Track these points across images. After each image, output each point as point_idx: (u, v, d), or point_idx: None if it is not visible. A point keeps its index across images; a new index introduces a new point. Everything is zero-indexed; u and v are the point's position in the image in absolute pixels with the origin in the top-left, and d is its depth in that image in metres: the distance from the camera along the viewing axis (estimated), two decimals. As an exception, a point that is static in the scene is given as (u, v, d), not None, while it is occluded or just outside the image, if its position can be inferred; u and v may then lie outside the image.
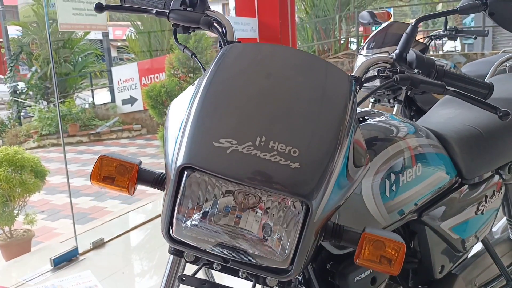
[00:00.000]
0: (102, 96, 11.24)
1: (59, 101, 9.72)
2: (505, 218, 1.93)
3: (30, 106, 10.04)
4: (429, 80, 0.98)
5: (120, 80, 9.80)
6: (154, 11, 1.08)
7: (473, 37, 2.73)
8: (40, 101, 10.17)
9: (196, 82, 0.89)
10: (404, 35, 1.08)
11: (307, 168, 0.75)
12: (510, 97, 1.62)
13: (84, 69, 11.03)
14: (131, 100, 9.72)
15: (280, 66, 0.88)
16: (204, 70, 1.00)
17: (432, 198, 1.27)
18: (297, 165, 0.75)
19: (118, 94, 9.90)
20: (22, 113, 10.33)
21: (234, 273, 0.88)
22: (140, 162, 0.91)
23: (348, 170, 0.82)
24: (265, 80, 0.84)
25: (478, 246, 1.64)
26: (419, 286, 1.40)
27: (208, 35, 5.95)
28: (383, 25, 3.05)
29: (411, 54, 1.05)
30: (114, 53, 15.15)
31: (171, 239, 0.82)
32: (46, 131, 9.03)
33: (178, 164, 0.77)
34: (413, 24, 1.07)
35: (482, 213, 1.42)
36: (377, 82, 2.66)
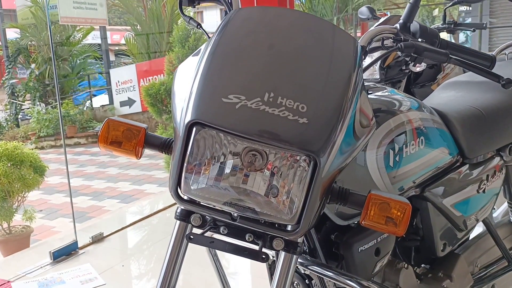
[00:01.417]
0: (100, 98, 11.25)
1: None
2: (505, 204, 1.93)
3: (28, 108, 10.03)
4: (433, 48, 0.99)
5: (118, 82, 9.81)
6: (160, -18, 1.09)
7: (472, 29, 2.76)
8: (38, 102, 10.17)
9: (203, 46, 0.90)
10: (408, 5, 1.09)
11: (315, 123, 0.76)
12: None
13: (82, 71, 11.05)
14: (129, 102, 9.72)
15: (288, 27, 0.88)
16: (209, 37, 1.00)
17: (434, 175, 1.28)
18: (305, 120, 0.76)
19: (116, 96, 9.91)
20: (19, 115, 10.32)
21: (240, 237, 0.88)
22: (147, 127, 0.91)
23: (355, 129, 0.83)
24: (272, 40, 0.85)
25: (479, 229, 1.65)
26: (422, 265, 1.41)
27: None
28: (382, 19, 3.06)
29: (414, 25, 1.06)
30: (112, 57, 15.17)
31: (179, 198, 0.82)
32: (44, 133, 9.02)
33: (187, 120, 0.77)
34: (416, -6, 1.08)
35: (483, 191, 1.43)
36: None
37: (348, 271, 1.09)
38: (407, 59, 1.07)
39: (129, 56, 10.76)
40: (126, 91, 9.81)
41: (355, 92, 0.83)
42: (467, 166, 1.41)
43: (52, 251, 2.88)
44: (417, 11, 1.10)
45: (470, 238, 1.61)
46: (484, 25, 2.75)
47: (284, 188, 0.79)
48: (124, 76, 9.78)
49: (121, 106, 9.96)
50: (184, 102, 0.81)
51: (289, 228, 0.84)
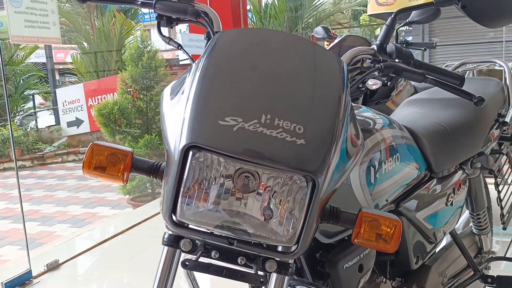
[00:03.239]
0: (45, 119, 10.84)
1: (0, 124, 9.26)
2: (465, 214, 2.02)
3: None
4: (411, 69, 1.03)
5: (65, 101, 9.51)
6: (139, 2, 1.07)
7: (423, 49, 2.91)
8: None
9: (192, 66, 0.89)
10: (384, 26, 1.13)
11: (312, 144, 0.77)
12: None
13: (26, 91, 10.62)
14: (77, 122, 9.44)
15: (276, 48, 0.89)
16: (193, 60, 1.00)
17: (406, 191, 1.32)
18: (303, 141, 0.76)
19: (63, 116, 9.59)
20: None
21: (231, 261, 0.87)
22: (133, 151, 0.89)
23: (347, 148, 0.84)
24: (263, 61, 0.85)
25: (444, 240, 1.71)
26: (397, 278, 1.44)
27: (161, 54, 5.92)
28: (337, 39, 3.16)
29: (390, 46, 1.10)
30: (56, 76, 14.69)
31: (173, 223, 0.80)
32: (-15, 156, 8.57)
33: (183, 144, 0.75)
34: (392, 16, 1.13)
35: (451, 204, 1.49)
36: None
37: (334, 288, 1.09)
38: (384, 78, 1.10)
39: (76, 75, 10.47)
40: (74, 111, 9.53)
41: (346, 111, 0.84)
42: (434, 180, 1.46)
43: (4, 282, 2.70)
44: (393, 32, 1.14)
45: (437, 250, 1.66)
46: (434, 44, 2.90)
47: (279, 210, 0.78)
48: (71, 96, 9.50)
49: (68, 127, 9.65)
50: (177, 126, 0.79)
51: (279, 248, 0.83)
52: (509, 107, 1.95)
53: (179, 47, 1.09)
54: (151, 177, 0.88)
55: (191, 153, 0.76)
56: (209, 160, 0.77)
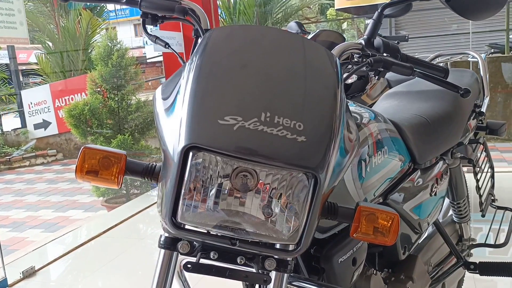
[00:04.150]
0: (10, 122, 10.52)
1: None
2: (445, 203, 2.06)
3: None
4: (399, 63, 1.04)
5: (31, 103, 9.25)
6: (124, 0, 1.04)
7: (396, 42, 2.95)
8: None
9: (186, 66, 0.87)
10: (371, 21, 1.13)
11: (313, 141, 0.76)
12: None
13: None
14: (45, 124, 9.20)
15: (270, 44, 0.88)
16: (183, 60, 0.98)
17: (392, 183, 1.34)
18: (304, 138, 0.76)
19: (30, 118, 9.33)
20: None
21: (231, 261, 0.86)
22: (126, 153, 0.87)
23: (345, 143, 0.84)
24: (258, 59, 0.84)
25: (428, 229, 1.75)
26: (385, 269, 1.46)
27: (131, 53, 5.82)
28: (311, 34, 3.16)
29: (377, 40, 1.11)
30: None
31: (174, 226, 0.78)
32: None
33: (183, 144, 0.74)
34: (379, 10, 1.13)
35: (435, 194, 1.52)
36: None
37: (329, 283, 1.10)
38: (372, 73, 1.11)
39: (41, 75, 10.20)
40: (40, 113, 9.29)
41: (342, 106, 0.85)
42: (418, 172, 1.48)
43: (-22, 293, 2.62)
44: (380, 27, 1.15)
45: (420, 241, 1.69)
46: (406, 37, 2.95)
47: (279, 207, 0.78)
48: (38, 97, 9.26)
49: (35, 129, 9.41)
50: (174, 126, 0.77)
51: (277, 246, 0.83)
52: (483, 97, 2.00)
53: (167, 46, 1.07)
54: (146, 179, 0.86)
55: (191, 154, 0.74)
56: (208, 161, 0.76)
